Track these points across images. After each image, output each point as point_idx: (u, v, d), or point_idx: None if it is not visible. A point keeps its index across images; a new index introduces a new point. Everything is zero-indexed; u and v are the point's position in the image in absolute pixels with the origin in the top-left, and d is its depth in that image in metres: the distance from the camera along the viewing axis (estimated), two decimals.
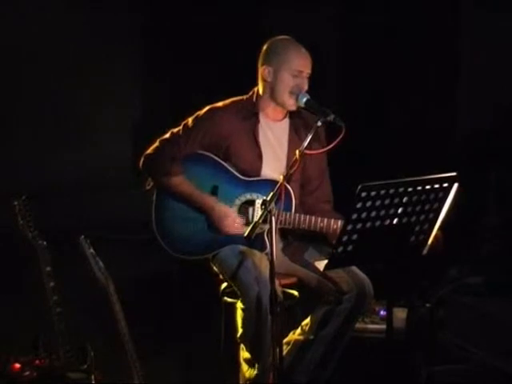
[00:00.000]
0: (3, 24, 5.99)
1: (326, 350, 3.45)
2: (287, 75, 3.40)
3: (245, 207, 3.46)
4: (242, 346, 3.48)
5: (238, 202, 3.45)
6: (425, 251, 2.99)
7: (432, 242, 3.03)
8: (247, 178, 3.46)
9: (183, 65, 6.38)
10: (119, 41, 6.48)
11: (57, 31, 6.18)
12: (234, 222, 3.41)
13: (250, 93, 3.55)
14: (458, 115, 5.40)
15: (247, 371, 3.47)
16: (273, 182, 3.27)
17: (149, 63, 6.67)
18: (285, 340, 3.48)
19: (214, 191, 3.45)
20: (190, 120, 3.50)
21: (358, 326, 3.64)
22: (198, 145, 3.47)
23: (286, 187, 3.36)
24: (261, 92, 3.50)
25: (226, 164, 3.47)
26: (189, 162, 3.48)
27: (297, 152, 3.25)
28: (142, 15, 6.62)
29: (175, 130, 3.51)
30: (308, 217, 3.38)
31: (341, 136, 3.23)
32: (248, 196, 3.44)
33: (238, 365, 3.53)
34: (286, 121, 3.55)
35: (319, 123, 3.27)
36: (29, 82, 6.13)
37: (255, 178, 3.46)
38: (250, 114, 3.49)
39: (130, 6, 6.53)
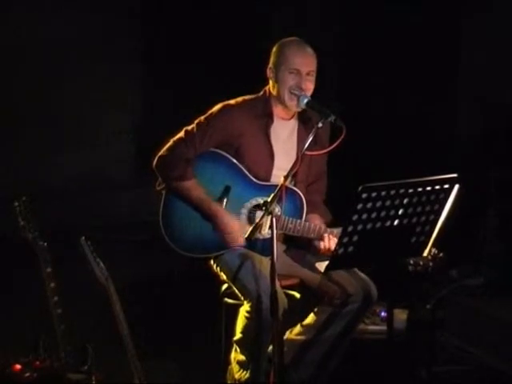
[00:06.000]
0: (4, 25, 6.00)
1: (327, 351, 3.46)
2: (286, 74, 3.40)
3: (254, 211, 3.45)
4: (235, 347, 3.48)
5: (248, 205, 3.45)
6: (425, 254, 3.01)
7: (436, 264, 3.07)
8: (261, 182, 3.45)
9: (184, 65, 6.38)
10: (120, 41, 6.49)
11: (57, 32, 6.19)
12: (237, 236, 3.38)
13: (262, 91, 3.55)
14: (459, 116, 5.40)
15: (238, 372, 3.48)
16: (285, 188, 3.21)
17: (149, 64, 6.68)
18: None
19: (227, 191, 3.44)
20: (203, 118, 3.48)
21: (359, 327, 3.64)
22: (213, 143, 3.46)
23: (297, 193, 3.41)
24: (271, 91, 3.51)
25: (241, 165, 3.46)
26: (204, 159, 3.47)
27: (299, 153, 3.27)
28: (142, 16, 6.63)
29: (189, 128, 3.48)
30: (318, 226, 3.39)
31: (341, 137, 3.23)
32: (260, 200, 3.42)
33: (227, 364, 3.53)
34: (295, 120, 3.56)
35: (320, 124, 3.26)
36: (29, 83, 6.14)
37: (269, 183, 3.45)
38: (263, 112, 3.49)
39: (131, 7, 6.54)
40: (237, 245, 3.39)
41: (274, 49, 3.50)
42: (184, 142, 3.45)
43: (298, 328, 3.55)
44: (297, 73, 3.39)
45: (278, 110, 3.51)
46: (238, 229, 3.40)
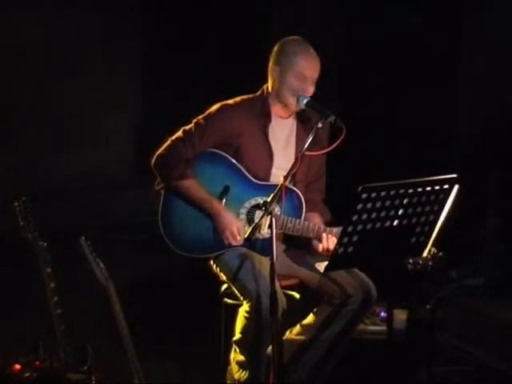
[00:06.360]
0: (4, 25, 6.00)
1: (325, 351, 3.45)
2: (293, 78, 3.39)
3: (254, 211, 3.45)
4: (234, 347, 3.49)
5: (247, 204, 3.45)
6: (425, 253, 3.02)
7: (436, 263, 3.07)
8: (260, 182, 3.45)
9: (184, 65, 6.38)
10: (120, 41, 6.49)
11: (57, 32, 6.19)
12: (236, 234, 3.38)
13: (260, 91, 3.54)
14: (459, 116, 5.40)
15: (237, 373, 3.48)
16: (285, 188, 3.21)
17: (149, 64, 6.68)
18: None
19: (226, 191, 3.44)
20: (201, 118, 3.48)
21: (359, 327, 3.63)
22: (211, 143, 3.46)
23: (296, 193, 3.41)
24: (270, 90, 3.50)
25: (240, 165, 3.46)
26: (203, 160, 3.46)
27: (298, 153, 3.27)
28: (142, 16, 6.63)
29: (187, 127, 3.48)
30: (317, 226, 3.38)
31: (341, 137, 3.23)
32: (259, 199, 3.41)
33: (227, 364, 3.54)
34: (293, 119, 3.56)
35: (320, 124, 3.27)
36: (29, 83, 6.14)
37: (268, 183, 3.45)
38: (261, 112, 3.49)
39: (131, 7, 6.54)
40: (235, 244, 3.39)
41: (280, 48, 3.46)
42: (182, 142, 3.45)
43: (297, 328, 3.54)
44: (303, 79, 3.39)
45: (276, 109, 3.51)
46: (237, 226, 3.39)
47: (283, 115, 3.53)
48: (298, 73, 3.38)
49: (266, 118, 3.49)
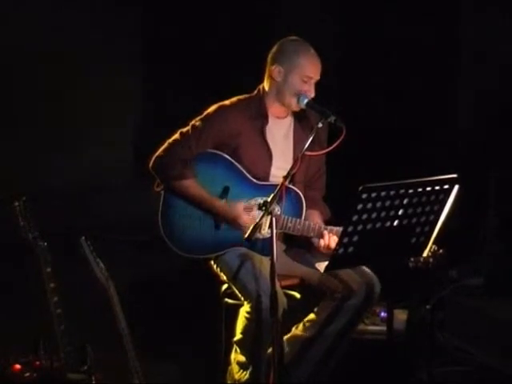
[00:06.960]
0: (4, 25, 5.99)
1: (328, 347, 3.46)
2: (297, 79, 3.40)
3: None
4: (235, 347, 3.49)
5: (248, 205, 3.45)
6: (424, 253, 3.02)
7: (437, 260, 3.08)
8: (259, 182, 3.46)
9: (184, 65, 6.38)
10: (120, 41, 6.48)
11: (57, 32, 6.18)
12: (248, 218, 3.39)
13: (256, 91, 3.54)
14: (459, 115, 5.40)
15: (237, 373, 3.49)
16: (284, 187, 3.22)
17: (149, 64, 6.67)
18: (286, 337, 3.49)
19: (225, 192, 3.45)
20: (198, 119, 3.49)
21: (359, 327, 3.64)
22: (210, 144, 3.46)
23: (296, 192, 3.42)
24: (267, 90, 3.50)
25: (239, 166, 3.46)
26: (202, 160, 3.47)
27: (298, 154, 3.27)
28: (142, 16, 6.62)
29: (184, 129, 3.49)
30: (318, 225, 3.39)
31: (341, 137, 3.23)
32: (259, 200, 3.42)
33: (227, 364, 3.54)
34: (290, 118, 3.56)
35: (320, 124, 3.28)
36: (29, 83, 6.13)
37: (267, 182, 3.46)
38: (258, 112, 3.49)
39: (131, 7, 6.53)
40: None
41: (280, 48, 3.47)
42: (180, 144, 3.46)
43: (300, 325, 3.55)
44: (308, 80, 3.40)
45: (273, 109, 3.51)
46: (243, 212, 3.40)
47: (280, 115, 3.53)
48: (304, 75, 3.39)
49: (262, 118, 3.50)
